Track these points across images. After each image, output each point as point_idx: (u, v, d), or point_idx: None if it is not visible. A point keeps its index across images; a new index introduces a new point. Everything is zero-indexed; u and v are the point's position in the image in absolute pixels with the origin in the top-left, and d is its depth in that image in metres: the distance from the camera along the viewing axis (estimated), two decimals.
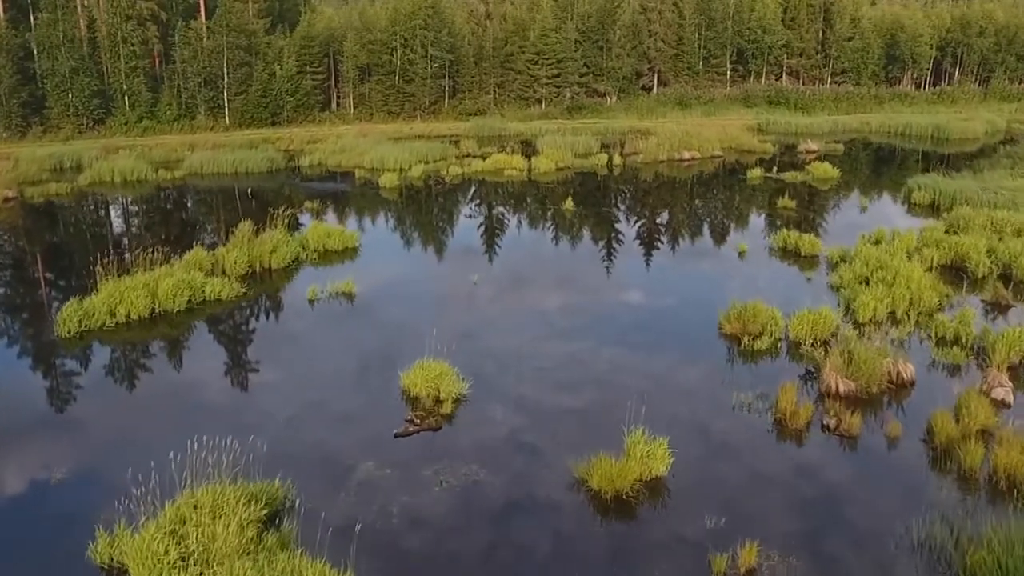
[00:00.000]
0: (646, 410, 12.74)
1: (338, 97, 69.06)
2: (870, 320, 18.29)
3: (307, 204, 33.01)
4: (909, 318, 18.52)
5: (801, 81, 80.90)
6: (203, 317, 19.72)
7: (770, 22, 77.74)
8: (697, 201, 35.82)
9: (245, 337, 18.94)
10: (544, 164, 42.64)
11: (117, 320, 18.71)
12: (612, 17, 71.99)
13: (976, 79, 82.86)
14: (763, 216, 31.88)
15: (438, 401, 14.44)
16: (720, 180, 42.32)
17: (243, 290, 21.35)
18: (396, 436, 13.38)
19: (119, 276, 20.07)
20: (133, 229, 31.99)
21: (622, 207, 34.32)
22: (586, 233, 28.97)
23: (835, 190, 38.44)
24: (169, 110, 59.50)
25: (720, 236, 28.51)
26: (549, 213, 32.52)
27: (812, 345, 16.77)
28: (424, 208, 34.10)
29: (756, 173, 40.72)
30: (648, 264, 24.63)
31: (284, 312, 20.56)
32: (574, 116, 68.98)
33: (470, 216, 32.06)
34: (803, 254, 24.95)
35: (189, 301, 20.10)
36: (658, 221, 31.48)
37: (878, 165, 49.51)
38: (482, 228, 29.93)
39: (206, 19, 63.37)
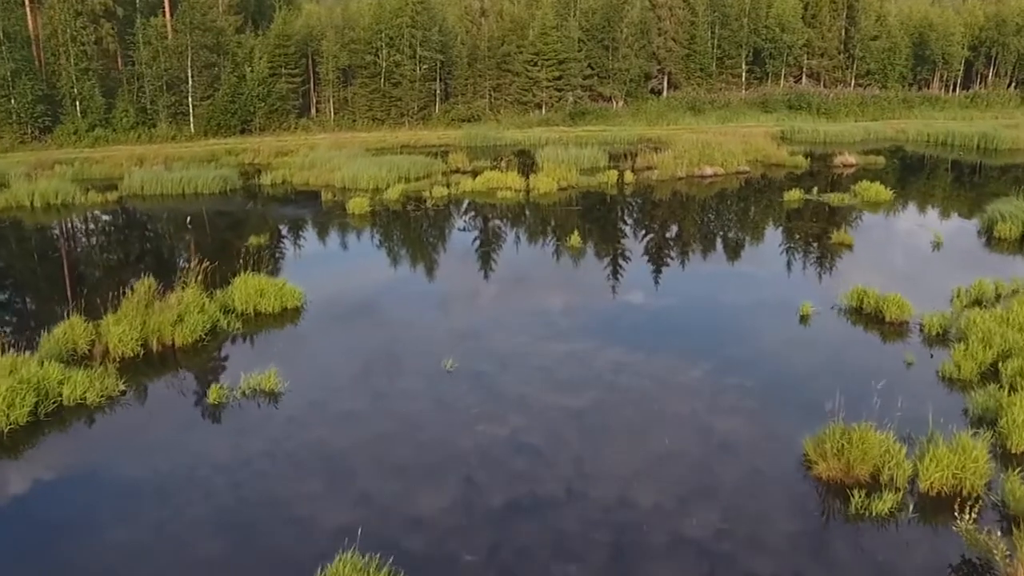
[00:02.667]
0: None
1: (317, 102, 62.80)
2: None
3: (252, 239, 26.75)
4: None
5: (822, 84, 74.73)
6: (43, 442, 13.43)
7: (789, 19, 71.59)
8: (731, 234, 29.50)
9: (89, 488, 12.59)
10: (544, 183, 36.39)
11: None
12: (619, 14, 65.76)
13: (1012, 81, 76.61)
14: (817, 257, 25.60)
15: None
16: (752, 203, 36.03)
17: (121, 387, 15.10)
18: None
19: None
20: (7, 282, 25.45)
21: (640, 244, 28.06)
22: (598, 286, 22.71)
23: (891, 216, 32.23)
24: (125, 117, 53.27)
25: (772, 290, 22.22)
26: (550, 252, 26.26)
27: (959, 504, 10.57)
28: (395, 245, 27.78)
29: (795, 195, 34.49)
30: (689, 346, 18.19)
31: (166, 430, 14.11)
32: (577, 123, 62.77)
33: (449, 258, 25.76)
34: (888, 319, 18.69)
35: (35, 410, 13.88)
36: (688, 267, 25.21)
37: (930, 182, 43.19)
38: (462, 276, 23.69)
39: (171, 15, 57.10)
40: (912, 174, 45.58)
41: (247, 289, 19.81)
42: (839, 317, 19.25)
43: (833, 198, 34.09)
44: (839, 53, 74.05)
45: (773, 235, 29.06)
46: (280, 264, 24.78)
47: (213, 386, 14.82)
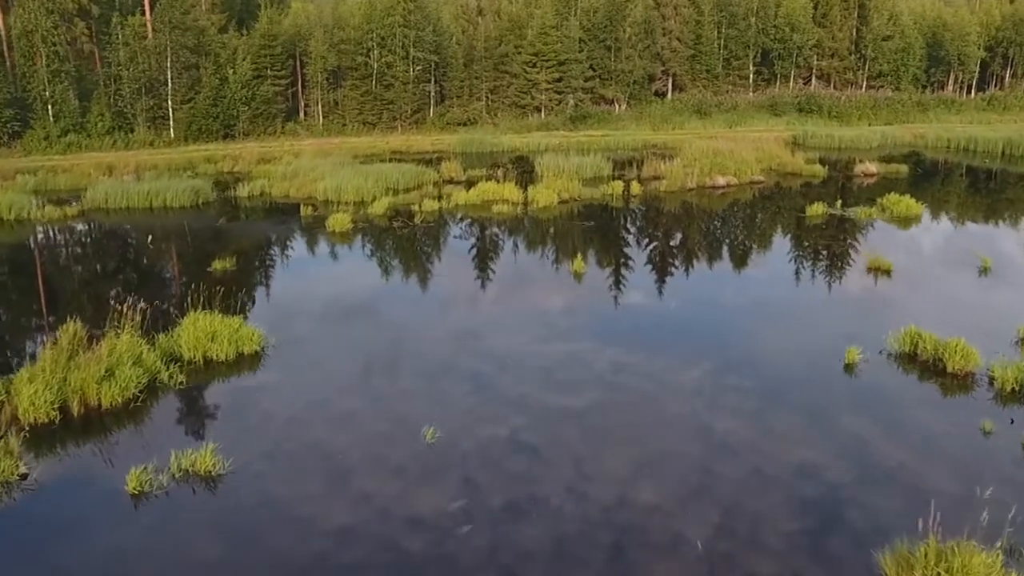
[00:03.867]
0: None
1: (306, 106, 59.84)
2: None
3: (216, 264, 23.81)
4: None
5: (832, 85, 71.85)
6: None
7: (800, 19, 68.65)
8: (754, 258, 26.52)
9: None
10: (544, 196, 33.48)
11: None
12: (622, 12, 62.83)
13: None
14: (854, 285, 22.67)
15: None
16: (771, 218, 33.09)
17: (23, 468, 12.20)
18: None
19: None
20: None
21: (651, 268, 25.15)
22: (606, 322, 19.80)
23: (927, 235, 29.36)
24: (101, 122, 50.29)
25: (809, 329, 19.29)
26: (551, 279, 23.32)
27: None
28: (374, 273, 24.78)
29: (818, 209, 31.60)
30: (720, 405, 15.35)
31: (65, 534, 11.22)
32: (578, 127, 59.85)
33: (435, 289, 22.80)
34: (951, 370, 15.80)
35: None
36: (709, 298, 22.29)
37: (961, 194, 40.22)
38: (449, 312, 20.76)
39: (151, 14, 54.07)
40: (939, 184, 42.67)
41: (197, 331, 16.86)
42: (890, 366, 16.32)
43: (860, 213, 31.21)
44: (850, 54, 71.19)
45: (801, 259, 26.12)
46: (243, 295, 21.79)
47: (134, 469, 11.87)
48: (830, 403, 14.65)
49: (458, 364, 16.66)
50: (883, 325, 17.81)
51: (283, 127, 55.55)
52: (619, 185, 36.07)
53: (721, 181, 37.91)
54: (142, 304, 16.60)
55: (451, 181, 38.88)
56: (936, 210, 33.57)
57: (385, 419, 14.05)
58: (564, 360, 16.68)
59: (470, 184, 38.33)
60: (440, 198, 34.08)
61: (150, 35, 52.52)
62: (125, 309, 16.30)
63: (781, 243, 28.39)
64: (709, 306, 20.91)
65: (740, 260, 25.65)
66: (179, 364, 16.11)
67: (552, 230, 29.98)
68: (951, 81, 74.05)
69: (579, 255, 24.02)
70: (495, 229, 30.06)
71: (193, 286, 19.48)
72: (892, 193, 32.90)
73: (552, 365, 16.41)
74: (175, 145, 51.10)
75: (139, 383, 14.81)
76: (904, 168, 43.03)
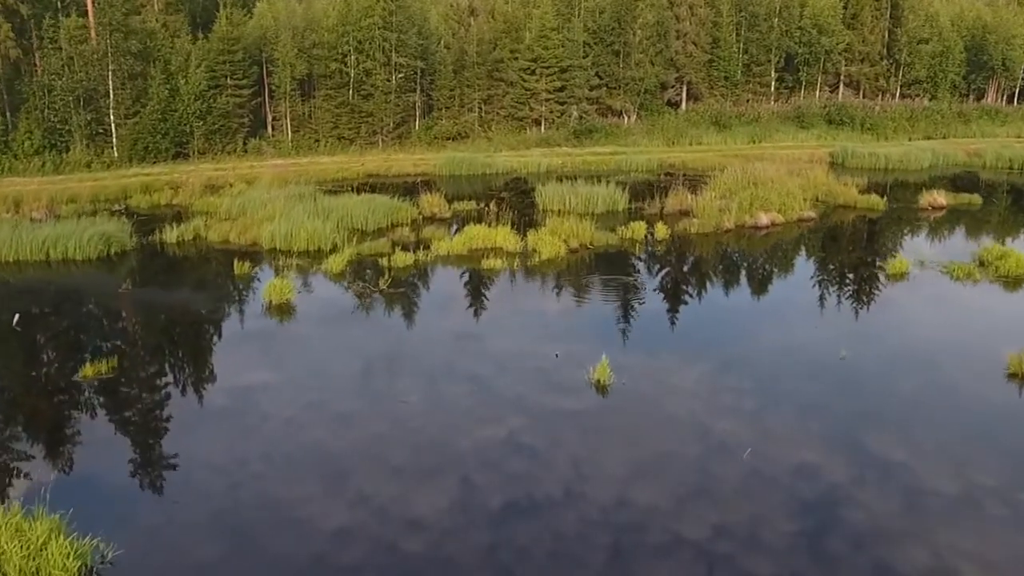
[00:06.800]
0: None
1: (273, 119, 52.63)
2: None
3: (88, 369, 16.67)
4: None
5: (862, 94, 64.83)
6: None
7: (828, 20, 61.61)
8: (855, 348, 18.88)
9: None
10: (548, 245, 26.36)
11: None
12: (631, 13, 55.70)
13: None
14: (998, 410, 15.55)
15: None
16: (845, 278, 25.88)
17: None
18: None
19: None
20: None
21: (704, 367, 18.05)
22: (661, 501, 12.70)
23: None
24: (28, 140, 43.02)
25: (959, 477, 12.21)
26: (560, 396, 16.16)
27: None
28: (311, 389, 17.49)
29: (901, 264, 24.60)
30: None
31: None
32: (583, 142, 52.74)
33: (392, 429, 15.55)
34: None
35: None
36: (794, 422, 15.18)
37: None
38: (410, 492, 13.65)
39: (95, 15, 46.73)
40: None
41: None
42: None
43: (956, 271, 24.21)
44: (881, 59, 64.16)
45: (908, 348, 18.97)
46: (96, 436, 14.66)
47: None
48: None
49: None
50: None
51: (245, 144, 48.35)
52: (640, 227, 28.97)
53: (764, 220, 30.84)
54: None
55: (433, 218, 31.79)
56: None
57: None
58: None
59: (455, 219, 31.43)
60: (417, 247, 26.97)
61: (93, 39, 45.38)
62: None
63: (867, 318, 21.19)
64: (800, 440, 13.67)
65: (826, 348, 18.43)
66: None
67: (559, 299, 22.83)
68: (992, 89, 67.10)
69: (602, 352, 16.91)
70: (484, 298, 22.89)
71: (42, 409, 12.55)
72: (992, 243, 25.89)
73: None
74: (117, 167, 43.88)
75: None
76: (976, 199, 35.96)
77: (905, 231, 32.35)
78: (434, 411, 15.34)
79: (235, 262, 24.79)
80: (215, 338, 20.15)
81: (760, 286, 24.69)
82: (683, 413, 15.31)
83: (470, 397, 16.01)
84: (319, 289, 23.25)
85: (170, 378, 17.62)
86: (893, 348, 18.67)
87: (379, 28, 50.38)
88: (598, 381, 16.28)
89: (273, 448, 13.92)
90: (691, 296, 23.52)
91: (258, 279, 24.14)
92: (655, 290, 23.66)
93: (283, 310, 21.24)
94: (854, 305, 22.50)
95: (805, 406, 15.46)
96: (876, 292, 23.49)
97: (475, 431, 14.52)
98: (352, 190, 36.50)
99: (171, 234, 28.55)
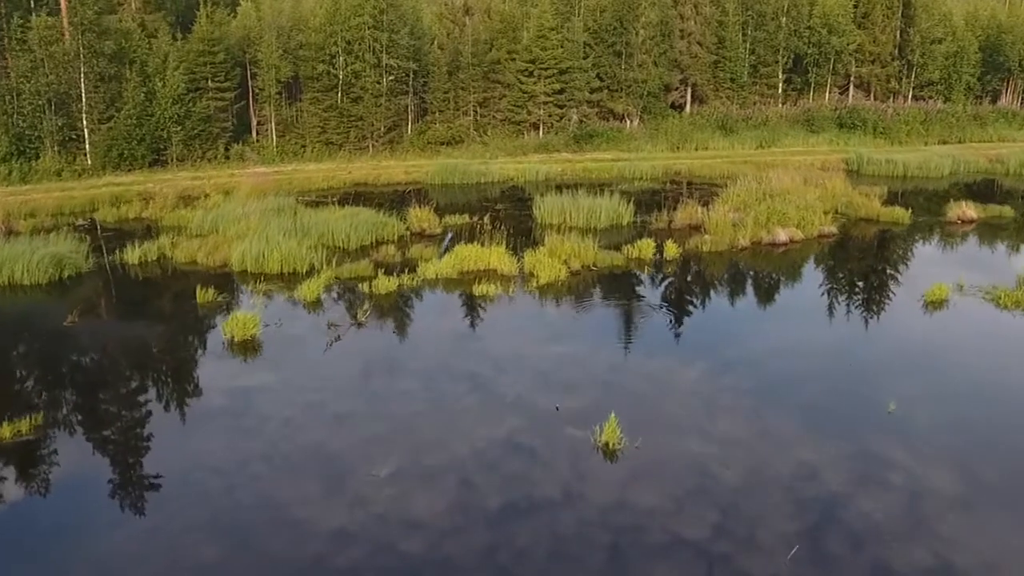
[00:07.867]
0: None
1: (258, 124, 50.03)
2: None
3: (5, 427, 14.12)
4: None
5: (873, 96, 62.28)
6: None
7: (838, 19, 59.02)
8: (892, 406, 16.69)
9: None
10: (548, 267, 23.82)
11: None
12: (634, 12, 53.09)
13: None
14: None
15: None
16: (872, 303, 23.35)
17: None
18: None
19: None
20: None
21: (722, 420, 15.56)
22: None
23: None
24: None
25: None
26: (562, 462, 13.65)
27: None
28: (271, 451, 15.06)
29: (940, 291, 22.08)
30: None
31: None
32: (583, 148, 50.21)
33: (362, 505, 13.06)
34: None
35: None
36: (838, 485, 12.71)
37: None
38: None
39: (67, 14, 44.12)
40: None
41: None
42: None
43: (1003, 298, 21.70)
44: (893, 59, 61.61)
45: (964, 397, 16.46)
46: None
47: None
48: None
49: None
50: None
51: (227, 151, 45.78)
52: (648, 245, 26.43)
53: (782, 236, 28.30)
54: None
55: (422, 234, 29.24)
56: None
57: None
58: None
59: (446, 236, 28.95)
60: (403, 269, 24.43)
61: (66, 39, 42.84)
62: None
63: (905, 354, 18.67)
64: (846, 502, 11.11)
65: (869, 406, 15.88)
66: None
67: (559, 334, 20.29)
68: (1008, 90, 64.60)
69: (611, 405, 14.39)
70: (474, 333, 20.34)
71: None
72: (1020, 254, 23.45)
73: None
74: (90, 175, 41.32)
75: None
76: (1008, 211, 33.44)
77: (936, 249, 29.86)
78: (407, 495, 12.76)
79: (198, 288, 22.21)
80: (161, 388, 17.52)
81: (785, 318, 22.18)
82: (712, 486, 12.77)
83: (452, 474, 13.45)
84: (289, 321, 20.66)
85: (97, 442, 15.01)
86: (946, 396, 16.14)
87: (369, 28, 47.80)
88: (606, 444, 13.77)
89: (200, 551, 11.37)
90: (711, 331, 21.00)
91: (224, 308, 21.57)
92: (669, 324, 21.10)
93: (246, 348, 18.69)
94: (893, 342, 19.95)
95: (860, 477, 12.91)
96: (914, 324, 20.94)
97: (458, 532, 11.98)
98: (336, 202, 33.90)
99: (133, 254, 25.96)
